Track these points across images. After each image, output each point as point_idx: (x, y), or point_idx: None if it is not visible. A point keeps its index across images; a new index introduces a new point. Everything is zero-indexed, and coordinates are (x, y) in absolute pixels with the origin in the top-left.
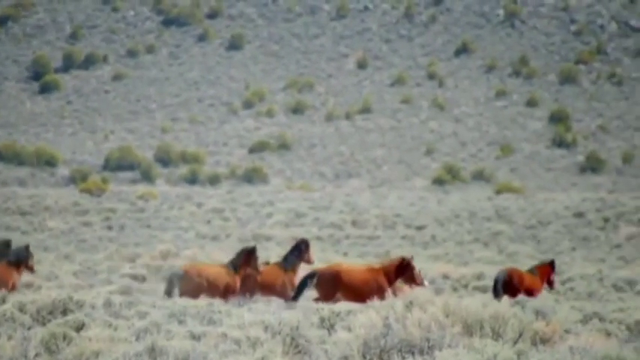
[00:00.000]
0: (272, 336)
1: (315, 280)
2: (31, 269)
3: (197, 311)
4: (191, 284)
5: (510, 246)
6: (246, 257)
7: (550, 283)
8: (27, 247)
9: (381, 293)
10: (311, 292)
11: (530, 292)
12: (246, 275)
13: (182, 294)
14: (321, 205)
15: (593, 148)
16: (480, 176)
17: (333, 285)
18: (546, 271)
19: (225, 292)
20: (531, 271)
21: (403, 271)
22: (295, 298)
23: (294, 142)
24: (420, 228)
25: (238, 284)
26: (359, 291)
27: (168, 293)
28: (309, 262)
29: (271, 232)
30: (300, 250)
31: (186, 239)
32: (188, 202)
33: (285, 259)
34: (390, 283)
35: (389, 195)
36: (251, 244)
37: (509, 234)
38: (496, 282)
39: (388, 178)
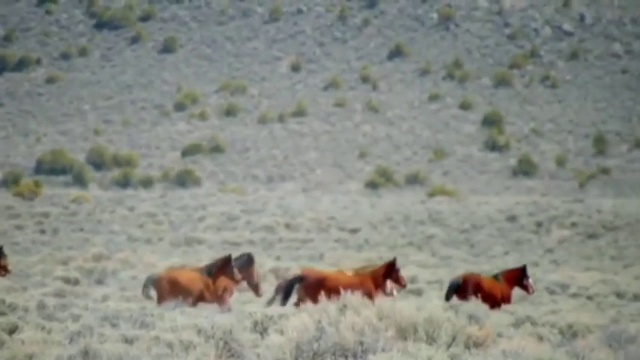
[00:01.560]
0: (205, 340)
1: (300, 285)
2: (5, 269)
3: (130, 315)
4: (165, 289)
5: (443, 249)
6: (222, 265)
7: (525, 288)
8: (1, 248)
9: (369, 297)
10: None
11: (493, 299)
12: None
13: (156, 299)
14: (254, 208)
15: (526, 151)
16: (413, 179)
17: (318, 289)
18: (514, 276)
19: (199, 298)
20: (496, 277)
21: (391, 273)
22: (284, 302)
23: (227, 145)
24: (353, 231)
25: (212, 290)
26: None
27: (146, 296)
28: (251, 277)
29: (203, 236)
30: (245, 263)
31: (118, 242)
32: (120, 205)
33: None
34: (378, 286)
35: (322, 198)
36: (226, 252)
37: (442, 237)
38: (450, 287)
39: (322, 182)
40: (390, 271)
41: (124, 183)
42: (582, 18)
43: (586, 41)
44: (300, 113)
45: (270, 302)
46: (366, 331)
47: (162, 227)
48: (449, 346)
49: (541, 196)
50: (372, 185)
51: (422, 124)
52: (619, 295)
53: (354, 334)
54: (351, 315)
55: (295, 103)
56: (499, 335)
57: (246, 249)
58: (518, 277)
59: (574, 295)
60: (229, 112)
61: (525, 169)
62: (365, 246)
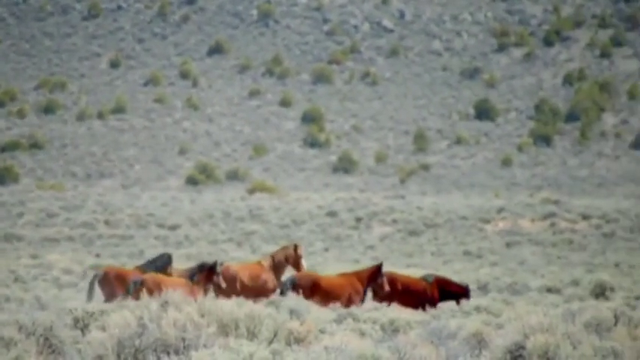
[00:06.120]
0: (26, 336)
1: (292, 286)
2: None
3: None
4: (148, 291)
5: (264, 246)
6: (208, 273)
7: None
8: None
9: (356, 298)
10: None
11: (411, 298)
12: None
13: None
14: (73, 204)
15: (346, 148)
16: (233, 176)
17: (311, 290)
18: (441, 280)
19: None
20: (425, 278)
21: (375, 277)
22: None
23: (46, 141)
24: (173, 228)
25: (196, 296)
26: (336, 296)
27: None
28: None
29: (22, 232)
30: (166, 263)
31: None
32: None
33: (147, 266)
34: (363, 288)
35: (142, 195)
36: (211, 259)
37: (262, 234)
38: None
39: (141, 178)
40: (376, 275)
41: None
42: (402, 15)
43: (406, 38)
44: (119, 109)
45: None
46: (188, 327)
47: None
48: (270, 341)
49: (360, 192)
50: (192, 181)
51: (242, 121)
52: None
53: (175, 330)
54: (172, 311)
55: (114, 99)
56: (321, 331)
57: (65, 245)
58: (446, 280)
59: None
60: (48, 108)
61: (345, 165)
62: (185, 242)
